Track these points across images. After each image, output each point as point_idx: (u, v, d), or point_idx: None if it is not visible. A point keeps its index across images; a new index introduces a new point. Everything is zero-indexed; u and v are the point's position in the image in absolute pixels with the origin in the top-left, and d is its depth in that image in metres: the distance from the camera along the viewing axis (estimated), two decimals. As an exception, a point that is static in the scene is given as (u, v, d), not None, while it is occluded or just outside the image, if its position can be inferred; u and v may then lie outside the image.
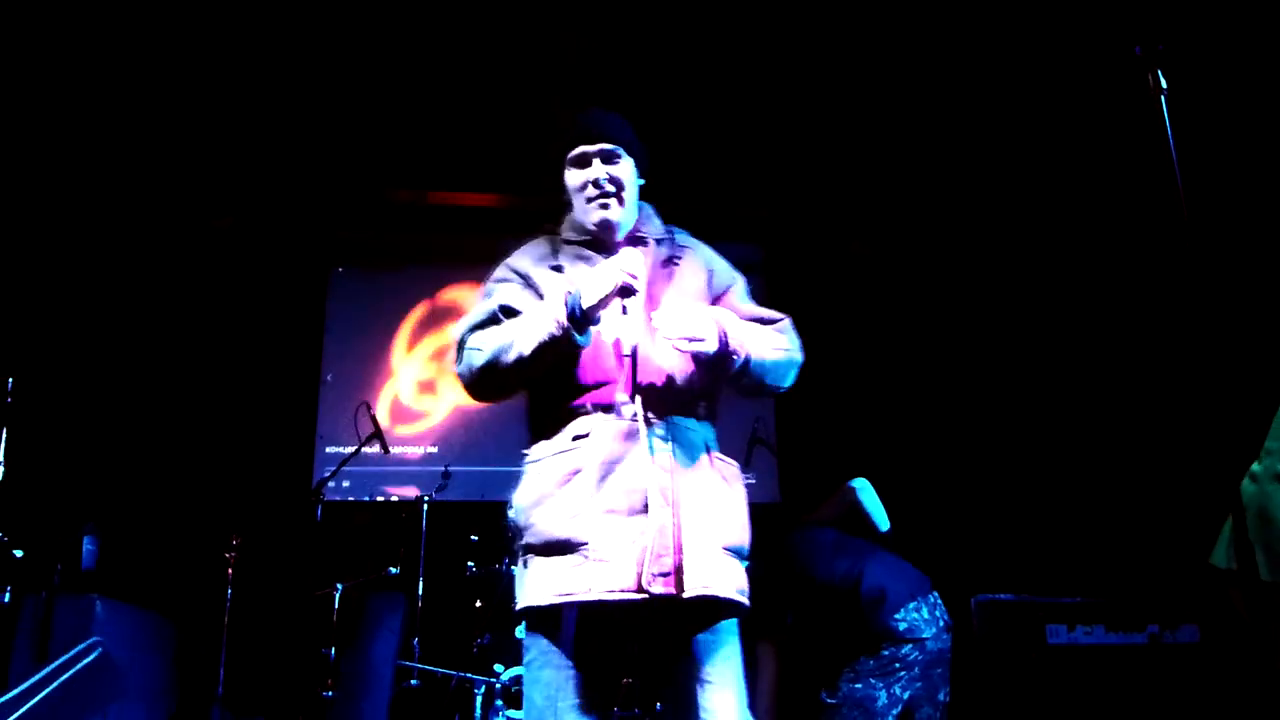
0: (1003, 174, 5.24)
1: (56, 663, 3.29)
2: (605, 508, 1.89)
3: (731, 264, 2.26)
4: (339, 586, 4.36)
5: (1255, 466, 1.87)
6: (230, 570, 4.37)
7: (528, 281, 2.12)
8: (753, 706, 2.51)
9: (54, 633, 3.58)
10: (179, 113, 5.08)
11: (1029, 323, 5.27)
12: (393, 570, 4.54)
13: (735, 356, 1.97)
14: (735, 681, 1.95)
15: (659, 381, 1.99)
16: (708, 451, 2.02)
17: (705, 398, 2.07)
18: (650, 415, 1.96)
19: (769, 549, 3.17)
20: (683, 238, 2.24)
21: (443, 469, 4.90)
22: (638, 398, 1.97)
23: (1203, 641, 3.32)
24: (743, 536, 2.01)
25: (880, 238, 5.88)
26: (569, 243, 2.19)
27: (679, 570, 1.87)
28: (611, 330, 2.01)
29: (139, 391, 5.32)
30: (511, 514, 2.03)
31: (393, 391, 5.88)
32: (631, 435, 1.94)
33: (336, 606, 4.34)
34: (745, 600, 1.97)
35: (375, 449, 4.76)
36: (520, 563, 1.99)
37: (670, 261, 2.15)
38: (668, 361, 2.00)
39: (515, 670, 4.02)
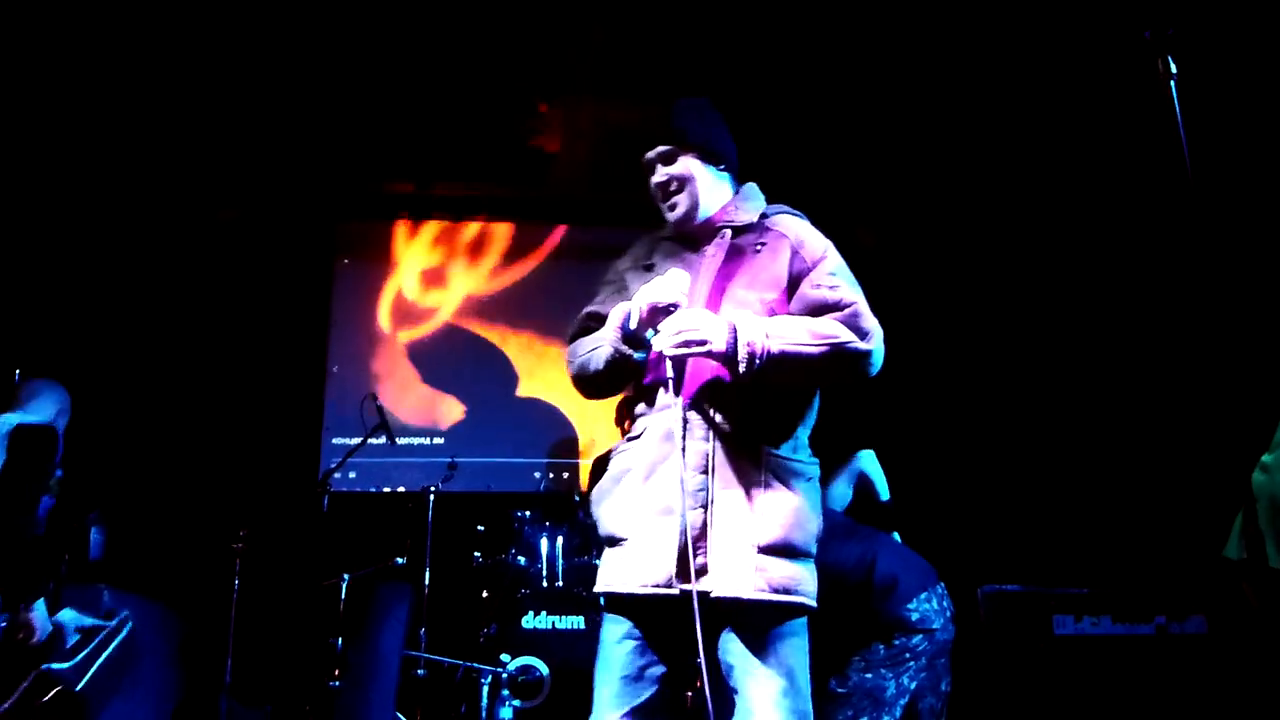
0: (1011, 161, 5.20)
1: (102, 633, 3.43)
2: (646, 506, 2.00)
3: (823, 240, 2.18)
4: (346, 577, 4.37)
5: (1266, 457, 1.88)
6: (237, 560, 4.38)
7: (623, 283, 2.22)
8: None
9: (61, 623, 3.61)
10: (184, 106, 5.08)
11: (1037, 313, 5.24)
12: (399, 561, 4.55)
13: (752, 354, 1.93)
14: (774, 677, 1.92)
15: (706, 382, 2.03)
16: (760, 451, 2.00)
17: (764, 396, 2.02)
18: (695, 416, 2.01)
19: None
20: (779, 219, 2.19)
21: (449, 460, 4.91)
22: (680, 399, 2.02)
23: (1210, 633, 3.31)
24: (789, 534, 1.96)
25: (886, 226, 5.85)
26: (665, 239, 2.26)
27: (708, 568, 1.92)
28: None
29: (146, 382, 5.33)
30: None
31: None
32: (674, 436, 2.01)
33: (343, 597, 4.34)
34: (783, 598, 1.94)
35: (381, 440, 4.78)
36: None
37: (749, 249, 2.14)
38: (713, 363, 2.02)
39: (521, 660, 4.03)
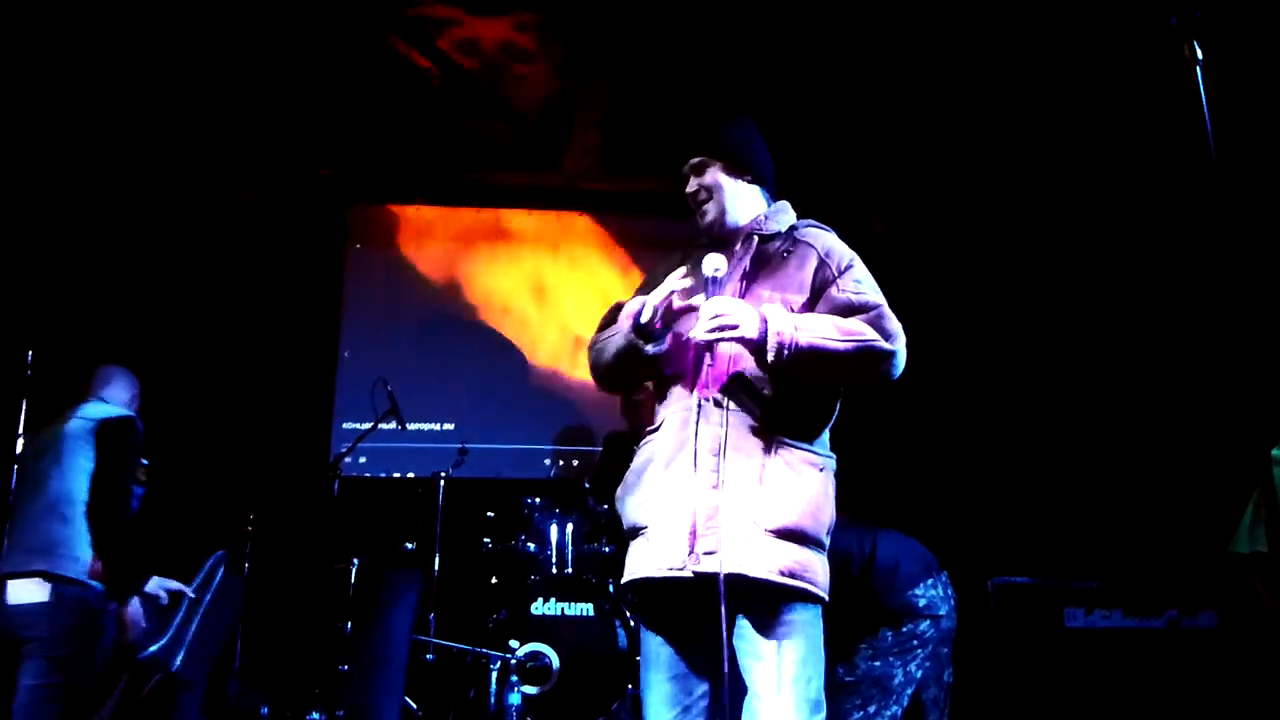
0: (1029, 148, 5.14)
1: (200, 576, 3.64)
2: (664, 492, 2.05)
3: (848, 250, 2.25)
4: (355, 561, 4.39)
5: (1276, 451, 1.88)
6: (248, 545, 4.40)
7: (656, 284, 2.25)
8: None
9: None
10: (197, 89, 5.08)
11: (1051, 304, 5.20)
12: (409, 546, 4.57)
13: (781, 344, 1.97)
14: (782, 661, 1.95)
15: (725, 373, 2.07)
16: (774, 438, 2.03)
17: (786, 390, 2.06)
18: (712, 404, 2.05)
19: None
20: (807, 231, 2.27)
21: (459, 446, 4.91)
22: (697, 389, 2.08)
23: (1221, 627, 3.30)
24: (800, 521, 1.99)
25: (901, 215, 5.82)
26: (699, 246, 2.33)
27: (718, 548, 1.95)
28: (690, 326, 2.11)
29: (157, 367, 5.33)
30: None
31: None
32: (689, 423, 2.06)
33: (353, 581, 4.37)
34: (791, 582, 1.96)
35: (392, 425, 4.78)
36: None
37: (776, 255, 2.20)
38: (734, 354, 2.07)
39: (530, 646, 4.04)
